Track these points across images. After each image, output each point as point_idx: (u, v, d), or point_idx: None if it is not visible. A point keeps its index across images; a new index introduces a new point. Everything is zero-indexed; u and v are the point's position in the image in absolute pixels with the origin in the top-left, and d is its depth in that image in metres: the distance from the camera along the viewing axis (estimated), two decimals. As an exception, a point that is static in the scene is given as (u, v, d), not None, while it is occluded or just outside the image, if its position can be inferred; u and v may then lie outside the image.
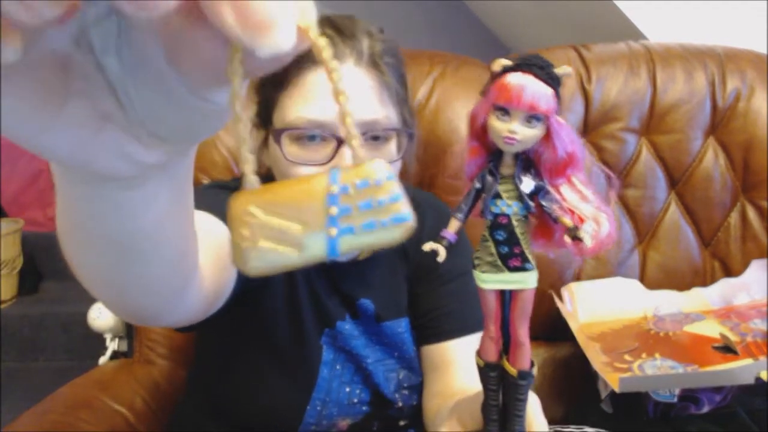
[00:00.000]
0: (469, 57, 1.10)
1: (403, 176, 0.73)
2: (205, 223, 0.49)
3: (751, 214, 1.06)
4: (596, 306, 0.98)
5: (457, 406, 0.55)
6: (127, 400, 0.86)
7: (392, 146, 0.67)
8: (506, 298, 0.44)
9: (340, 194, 0.21)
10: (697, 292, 1.02)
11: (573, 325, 0.93)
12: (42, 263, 2.18)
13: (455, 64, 1.06)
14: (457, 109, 1.01)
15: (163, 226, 0.32)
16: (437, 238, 0.41)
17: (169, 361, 0.95)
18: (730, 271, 1.05)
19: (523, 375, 0.44)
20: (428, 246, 0.41)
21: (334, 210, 0.21)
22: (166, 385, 0.92)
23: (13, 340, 1.99)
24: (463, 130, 1.01)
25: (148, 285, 0.36)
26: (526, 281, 0.43)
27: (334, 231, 0.21)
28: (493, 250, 0.42)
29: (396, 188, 0.22)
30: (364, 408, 0.75)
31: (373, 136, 0.65)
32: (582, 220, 0.41)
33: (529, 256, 0.42)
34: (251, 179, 0.21)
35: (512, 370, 0.45)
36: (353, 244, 0.22)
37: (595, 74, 1.05)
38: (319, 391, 0.72)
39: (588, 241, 0.40)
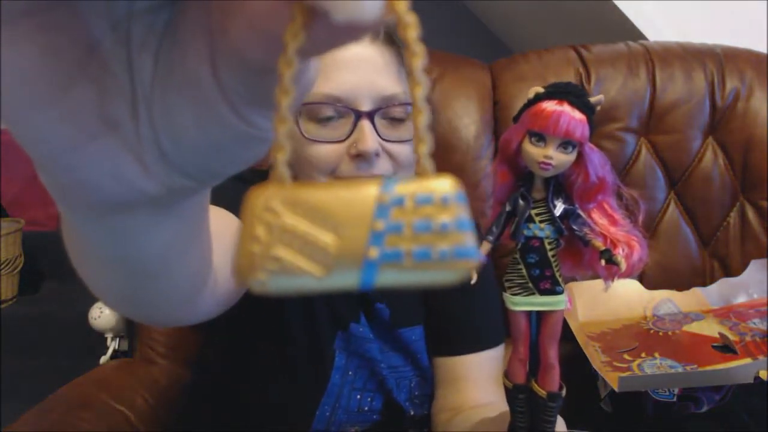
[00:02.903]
0: (469, 57, 1.10)
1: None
2: (221, 218, 0.45)
3: (751, 213, 1.06)
4: (596, 305, 0.98)
5: (478, 427, 0.54)
6: (127, 399, 0.86)
7: (410, 126, 0.65)
8: (533, 319, 0.45)
9: (393, 206, 0.17)
10: (696, 291, 1.02)
11: (572, 325, 0.93)
12: (42, 263, 2.17)
13: (455, 64, 1.06)
14: (456, 110, 1.01)
15: (172, 253, 0.29)
16: None
17: (170, 361, 0.95)
18: (729, 271, 1.05)
19: (554, 397, 0.44)
20: None
21: (381, 224, 0.17)
22: (167, 384, 0.92)
23: (13, 340, 1.98)
24: (463, 130, 1.02)
25: (159, 298, 0.34)
26: (557, 303, 0.43)
27: (375, 252, 0.17)
28: (524, 272, 0.43)
29: (465, 213, 0.17)
30: (374, 417, 0.73)
31: (391, 117, 0.64)
32: (615, 244, 0.42)
33: (559, 279, 0.43)
34: (282, 171, 0.17)
35: (541, 392, 0.45)
36: (396, 277, 0.17)
37: (594, 74, 1.05)
38: (329, 395, 0.71)
39: (623, 265, 0.41)
